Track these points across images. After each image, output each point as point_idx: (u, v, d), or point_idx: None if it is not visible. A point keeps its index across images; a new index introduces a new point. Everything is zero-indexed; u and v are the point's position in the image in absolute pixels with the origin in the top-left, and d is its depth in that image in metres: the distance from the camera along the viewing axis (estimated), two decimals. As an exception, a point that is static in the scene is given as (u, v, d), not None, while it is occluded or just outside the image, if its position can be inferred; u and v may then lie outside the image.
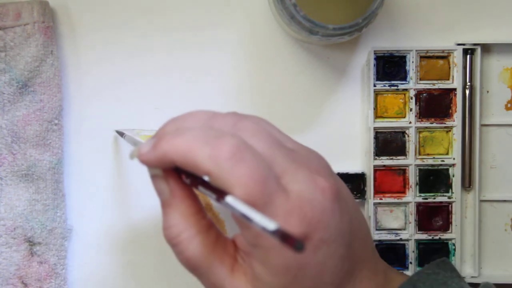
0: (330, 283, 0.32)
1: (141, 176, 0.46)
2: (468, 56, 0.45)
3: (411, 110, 0.45)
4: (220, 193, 0.29)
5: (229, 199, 0.28)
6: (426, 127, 0.45)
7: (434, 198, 0.45)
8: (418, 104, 0.45)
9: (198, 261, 0.32)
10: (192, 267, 0.33)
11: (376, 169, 0.45)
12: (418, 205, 0.45)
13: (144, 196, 0.46)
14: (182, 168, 0.31)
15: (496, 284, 0.46)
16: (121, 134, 0.43)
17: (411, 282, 0.36)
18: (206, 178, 0.30)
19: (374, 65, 0.45)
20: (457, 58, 0.45)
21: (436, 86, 0.45)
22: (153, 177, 0.33)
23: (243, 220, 0.28)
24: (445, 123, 0.45)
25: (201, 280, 0.34)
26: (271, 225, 0.26)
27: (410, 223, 0.45)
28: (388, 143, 0.45)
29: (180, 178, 0.33)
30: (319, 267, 0.31)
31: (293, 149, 0.33)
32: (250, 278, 0.32)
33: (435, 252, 0.45)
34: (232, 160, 0.29)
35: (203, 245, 0.32)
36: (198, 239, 0.32)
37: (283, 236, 0.25)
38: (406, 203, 0.45)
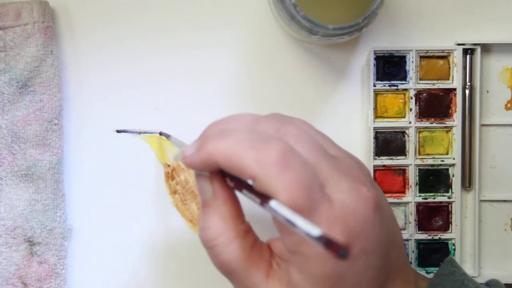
0: None
1: (141, 176, 0.46)
2: (468, 56, 0.45)
3: (411, 110, 0.45)
4: (264, 198, 0.29)
5: (273, 203, 0.28)
6: (426, 127, 0.45)
7: (434, 198, 0.45)
8: (418, 104, 0.45)
9: (234, 265, 0.32)
10: (227, 271, 0.33)
11: (376, 169, 0.45)
12: (418, 205, 0.45)
13: (144, 196, 0.46)
14: (226, 171, 0.31)
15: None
16: (166, 136, 0.44)
17: (433, 287, 0.36)
18: (250, 181, 0.30)
19: (374, 65, 0.45)
20: (457, 58, 0.45)
21: (436, 86, 0.45)
22: (198, 175, 0.33)
23: (286, 225, 0.28)
24: (445, 123, 0.45)
25: (234, 284, 0.33)
26: (315, 231, 0.26)
27: (410, 223, 0.45)
28: (388, 143, 0.45)
29: (224, 180, 0.33)
30: (357, 277, 0.31)
31: (336, 156, 0.33)
32: (285, 285, 0.32)
33: (435, 252, 0.45)
34: (279, 165, 0.29)
35: (240, 249, 0.32)
36: (236, 244, 0.32)
37: (327, 243, 0.25)
38: (406, 203, 0.45)
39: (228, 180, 0.32)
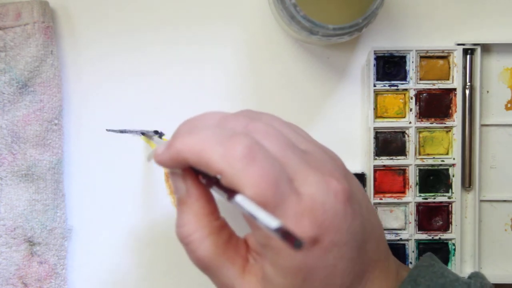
0: (340, 285, 0.32)
1: (141, 176, 0.46)
2: (468, 56, 0.45)
3: (411, 110, 0.45)
4: (230, 192, 0.29)
5: (238, 198, 0.28)
6: (426, 127, 0.45)
7: (434, 198, 0.45)
8: (418, 104, 0.45)
9: (209, 261, 0.33)
10: (203, 266, 0.33)
11: (376, 169, 0.45)
12: (418, 205, 0.45)
13: (144, 196, 0.46)
14: (196, 168, 0.32)
15: (496, 284, 0.46)
16: (149, 136, 0.44)
17: (412, 278, 0.36)
18: (219, 177, 0.30)
19: (374, 65, 0.45)
20: (457, 58, 0.45)
21: (436, 86, 0.45)
22: (171, 174, 0.34)
23: (251, 219, 0.28)
24: (445, 123, 0.45)
25: (212, 280, 0.34)
26: (274, 223, 0.26)
27: (410, 223, 0.45)
28: (388, 143, 0.45)
29: (197, 177, 0.33)
30: (329, 269, 0.31)
31: (307, 150, 0.33)
32: (260, 279, 0.32)
33: (435, 252, 0.45)
34: (245, 160, 0.29)
35: (214, 245, 0.33)
36: (210, 240, 0.33)
37: (284, 234, 0.25)
38: (406, 203, 0.45)
39: (200, 177, 0.33)
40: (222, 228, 0.34)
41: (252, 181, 0.29)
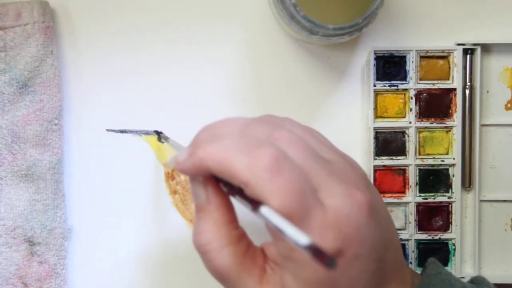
0: None
1: (141, 176, 0.46)
2: (468, 56, 0.45)
3: (411, 110, 0.45)
4: (255, 204, 0.29)
5: (264, 210, 0.28)
6: (426, 127, 0.45)
7: (434, 198, 0.45)
8: (418, 104, 0.45)
9: (227, 271, 0.32)
10: (220, 277, 0.32)
11: (376, 169, 0.45)
12: (418, 205, 0.45)
13: (144, 196, 0.46)
14: (218, 176, 0.31)
15: (496, 284, 0.46)
16: (165, 138, 0.43)
17: (424, 287, 0.36)
18: (242, 187, 0.30)
19: (374, 65, 0.45)
20: (457, 58, 0.45)
21: (436, 86, 0.45)
22: (192, 180, 0.33)
23: (276, 232, 0.28)
24: (445, 123, 0.45)
25: None
26: (304, 239, 0.25)
27: (410, 223, 0.45)
28: (388, 143, 0.45)
29: (218, 185, 0.33)
30: (351, 281, 0.31)
31: (330, 159, 0.32)
32: None
33: (435, 252, 0.45)
34: (271, 171, 0.28)
35: (233, 256, 0.32)
36: (228, 250, 0.32)
37: (315, 252, 0.25)
38: (406, 203, 0.45)
39: (221, 185, 0.32)
40: (241, 238, 0.33)
41: (278, 193, 0.28)
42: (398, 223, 0.45)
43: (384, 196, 0.45)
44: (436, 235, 0.45)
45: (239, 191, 0.30)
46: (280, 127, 0.32)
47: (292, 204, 0.28)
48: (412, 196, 0.45)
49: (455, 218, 0.45)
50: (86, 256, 0.46)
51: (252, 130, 0.32)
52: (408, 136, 0.45)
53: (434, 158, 0.45)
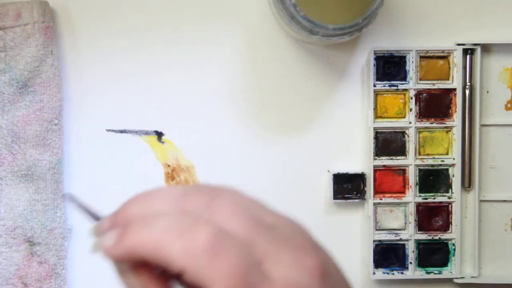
0: None
1: (141, 176, 0.46)
2: (468, 56, 0.45)
3: (411, 110, 0.45)
4: None
5: None
6: (426, 127, 0.45)
7: (434, 198, 0.45)
8: (418, 104, 0.45)
9: None
10: None
11: (376, 169, 0.45)
12: (418, 205, 0.45)
13: (144, 196, 0.46)
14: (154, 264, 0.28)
15: (496, 284, 0.46)
16: (72, 199, 0.41)
17: None
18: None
19: (374, 65, 0.45)
20: (457, 58, 0.45)
21: (436, 86, 0.45)
22: (121, 271, 0.30)
23: None
24: (445, 123, 0.45)
25: None
26: None
27: (410, 223, 0.45)
28: (388, 143, 0.45)
29: (152, 270, 0.29)
30: None
31: (274, 225, 0.30)
32: None
33: (435, 252, 0.45)
34: (209, 253, 0.26)
35: None
36: None
37: None
38: (406, 203, 0.45)
39: (158, 271, 0.29)
40: None
41: (220, 277, 0.26)
42: (398, 223, 0.45)
43: (384, 196, 0.45)
44: (436, 235, 0.45)
45: (177, 277, 0.28)
46: (218, 197, 0.30)
47: (236, 287, 0.26)
48: (412, 196, 0.45)
49: (455, 218, 0.45)
50: (86, 256, 0.46)
51: (188, 202, 0.29)
52: (408, 136, 0.45)
53: (434, 158, 0.45)
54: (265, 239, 0.29)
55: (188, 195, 0.29)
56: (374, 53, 0.44)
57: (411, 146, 0.45)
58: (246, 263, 0.27)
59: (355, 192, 0.46)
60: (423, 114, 0.45)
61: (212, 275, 0.26)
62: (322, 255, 0.31)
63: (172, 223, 0.27)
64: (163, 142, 0.45)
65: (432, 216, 0.45)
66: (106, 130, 0.45)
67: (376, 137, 0.45)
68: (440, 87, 0.45)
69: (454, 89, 0.45)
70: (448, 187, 0.45)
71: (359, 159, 0.46)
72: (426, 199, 0.45)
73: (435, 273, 0.45)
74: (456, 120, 0.45)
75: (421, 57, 0.45)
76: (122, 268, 0.30)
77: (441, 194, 0.45)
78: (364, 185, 0.46)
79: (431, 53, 0.45)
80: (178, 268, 0.27)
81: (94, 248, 0.30)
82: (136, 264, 0.29)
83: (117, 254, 0.28)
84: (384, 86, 0.45)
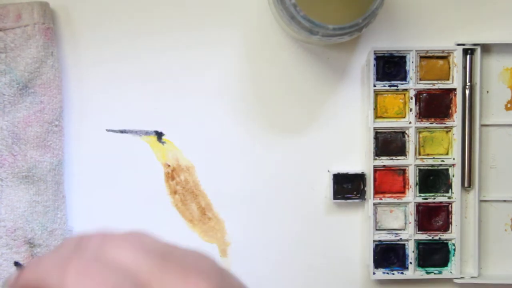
0: None
1: (141, 176, 0.46)
2: (468, 56, 0.45)
3: (411, 110, 0.45)
4: None
5: None
6: (426, 127, 0.45)
7: (434, 198, 0.45)
8: (418, 104, 0.45)
9: None
10: None
11: (376, 169, 0.45)
12: (418, 205, 0.45)
13: (144, 196, 0.46)
14: None
15: (496, 284, 0.46)
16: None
17: None
18: None
19: (374, 65, 0.45)
20: (457, 58, 0.45)
21: (436, 86, 0.45)
22: None
23: None
24: (445, 123, 0.45)
25: None
26: None
27: (410, 223, 0.45)
28: (388, 143, 0.45)
29: None
30: None
31: (167, 251, 0.31)
32: None
33: (435, 252, 0.45)
34: (77, 277, 0.27)
35: None
36: None
37: None
38: (406, 203, 0.45)
39: None
40: None
41: None
42: (398, 223, 0.45)
43: (384, 196, 0.45)
44: (436, 235, 0.45)
45: None
46: (111, 234, 0.31)
47: None
48: (412, 196, 0.45)
49: (455, 218, 0.45)
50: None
51: (84, 241, 0.31)
52: (408, 136, 0.45)
53: (434, 158, 0.45)
54: (150, 262, 0.29)
55: (86, 238, 0.31)
56: (374, 53, 0.45)
57: (411, 146, 0.45)
58: (118, 282, 0.27)
59: (355, 192, 0.46)
60: (423, 114, 0.45)
61: None
62: (221, 279, 0.30)
63: (54, 257, 0.29)
64: (163, 142, 0.45)
65: (432, 216, 0.45)
66: (106, 130, 0.45)
67: (376, 137, 0.45)
68: (440, 87, 0.45)
69: (454, 89, 0.45)
70: (448, 187, 0.45)
71: (359, 159, 0.46)
72: (426, 199, 0.45)
73: (435, 273, 0.45)
74: (456, 120, 0.45)
75: (421, 57, 0.45)
76: None
77: (441, 194, 0.45)
78: (364, 185, 0.46)
79: (431, 53, 0.45)
80: None
81: (3, 284, 0.32)
82: None
83: None
84: (384, 86, 0.45)
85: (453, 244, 0.45)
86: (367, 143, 0.45)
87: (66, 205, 0.45)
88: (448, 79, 0.45)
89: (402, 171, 0.45)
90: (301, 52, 0.46)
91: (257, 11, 0.46)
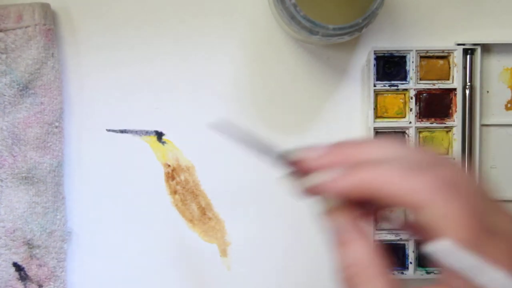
0: None
1: (141, 176, 0.46)
2: (468, 56, 0.45)
3: (411, 110, 0.45)
4: (423, 234, 0.26)
5: (443, 244, 0.25)
6: (426, 127, 0.45)
7: (435, 198, 0.45)
8: (418, 104, 0.45)
9: None
10: None
11: (377, 169, 0.45)
12: (419, 205, 0.45)
13: (144, 197, 0.46)
14: (377, 201, 0.28)
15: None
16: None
17: None
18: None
19: (374, 65, 0.45)
20: (457, 58, 0.45)
21: (436, 86, 0.45)
22: (328, 211, 0.30)
23: (462, 272, 0.25)
24: (445, 123, 0.45)
25: None
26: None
27: (410, 223, 0.45)
28: (388, 143, 0.45)
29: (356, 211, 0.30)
30: None
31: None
32: None
33: (436, 252, 0.45)
34: (442, 193, 0.26)
35: (390, 283, 0.28)
36: (385, 277, 0.28)
37: None
38: (406, 203, 0.45)
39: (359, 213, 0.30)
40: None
41: (454, 215, 0.25)
42: (398, 223, 0.45)
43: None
44: (437, 235, 0.45)
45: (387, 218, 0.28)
46: (440, 165, 0.28)
47: (471, 235, 0.25)
48: (413, 196, 0.45)
49: (456, 218, 0.45)
50: (86, 259, 0.46)
51: (411, 156, 0.29)
52: (408, 136, 0.45)
53: (434, 158, 0.45)
54: (482, 201, 0.27)
55: (409, 152, 0.29)
56: (374, 53, 0.45)
57: (411, 146, 0.45)
58: (478, 209, 0.26)
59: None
60: (423, 114, 0.45)
61: (446, 212, 0.25)
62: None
63: (399, 166, 0.27)
64: (163, 142, 0.45)
65: (433, 216, 0.45)
66: (107, 130, 0.45)
67: (376, 137, 0.45)
68: (440, 87, 0.45)
69: (454, 89, 0.45)
70: (448, 187, 0.45)
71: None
72: (426, 199, 0.45)
73: (435, 273, 0.45)
74: (456, 120, 0.45)
75: (421, 57, 0.45)
76: (330, 206, 0.30)
77: (442, 194, 0.45)
78: (365, 185, 0.45)
79: (431, 53, 0.45)
80: (410, 204, 0.26)
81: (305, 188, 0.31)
82: (348, 202, 0.29)
83: (342, 187, 0.29)
84: (384, 86, 0.45)
85: (454, 244, 0.45)
86: (368, 143, 0.45)
87: (66, 207, 0.45)
88: (448, 79, 0.45)
89: (402, 170, 0.45)
90: (301, 52, 0.46)
91: (257, 11, 0.46)
